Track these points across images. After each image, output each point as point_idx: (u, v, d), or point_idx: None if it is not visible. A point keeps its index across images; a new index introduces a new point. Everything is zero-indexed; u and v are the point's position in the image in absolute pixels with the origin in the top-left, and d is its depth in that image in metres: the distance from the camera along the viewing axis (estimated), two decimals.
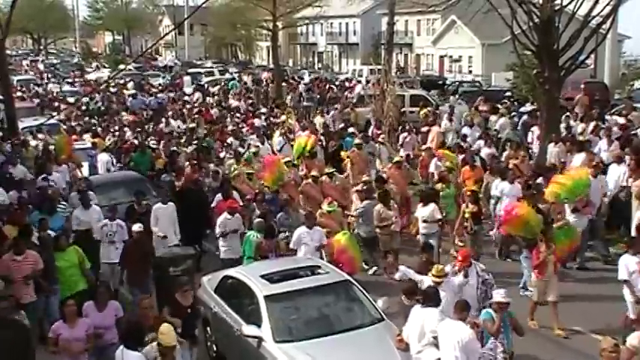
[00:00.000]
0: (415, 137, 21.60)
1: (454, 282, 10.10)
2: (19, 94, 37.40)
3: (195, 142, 22.86)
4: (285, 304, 9.97)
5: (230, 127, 25.24)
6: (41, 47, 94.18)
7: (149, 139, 23.49)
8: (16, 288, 10.86)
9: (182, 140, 23.60)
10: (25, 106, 30.43)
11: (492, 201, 15.13)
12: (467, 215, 13.95)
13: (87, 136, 24.06)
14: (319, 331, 9.55)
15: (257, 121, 26.26)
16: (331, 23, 76.62)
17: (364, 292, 10.51)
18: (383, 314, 10.04)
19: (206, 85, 42.99)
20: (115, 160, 20.88)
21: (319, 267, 10.87)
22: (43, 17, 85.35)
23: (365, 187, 15.16)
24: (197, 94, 38.09)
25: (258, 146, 20.02)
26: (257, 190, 15.75)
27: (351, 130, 22.83)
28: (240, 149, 20.29)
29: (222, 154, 20.22)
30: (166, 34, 45.84)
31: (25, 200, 14.81)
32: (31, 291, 11.11)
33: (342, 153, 18.90)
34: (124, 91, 40.29)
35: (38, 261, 11.17)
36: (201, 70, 56.30)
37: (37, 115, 28.97)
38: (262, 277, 10.41)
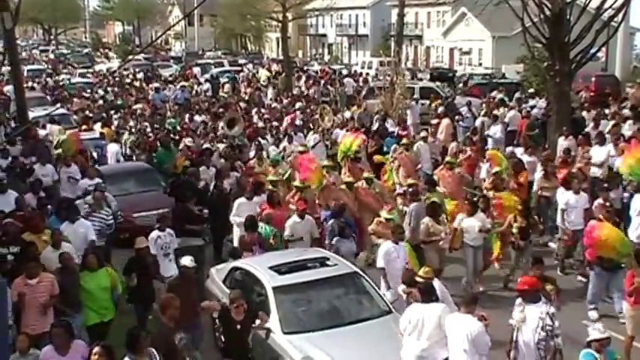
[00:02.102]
0: (440, 141, 19.89)
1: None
2: (29, 83, 37.52)
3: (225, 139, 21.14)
4: (294, 296, 10.00)
5: (260, 124, 23.58)
6: (51, 37, 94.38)
7: (171, 135, 21.99)
8: (27, 318, 9.62)
9: (213, 136, 21.76)
10: (35, 95, 30.50)
11: (558, 211, 13.98)
12: (514, 230, 12.79)
13: (97, 127, 24.11)
14: (327, 323, 9.58)
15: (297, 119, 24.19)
16: (341, 15, 76.49)
17: (373, 284, 10.53)
18: (391, 306, 10.07)
19: (216, 76, 42.77)
20: (124, 152, 20.78)
21: (328, 259, 10.88)
22: (53, 7, 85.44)
23: (411, 190, 13.74)
24: (207, 85, 37.90)
25: (305, 145, 18.63)
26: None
27: (392, 129, 21.15)
28: (273, 149, 19.17)
29: (252, 154, 18.80)
30: (175, 23, 45.70)
31: (44, 202, 13.87)
32: (46, 321, 9.54)
33: (376, 157, 17.48)
34: (144, 85, 38.72)
35: (54, 286, 9.85)
36: (211, 61, 56.24)
37: (47, 105, 29.01)
38: (271, 268, 10.44)
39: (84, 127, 24.42)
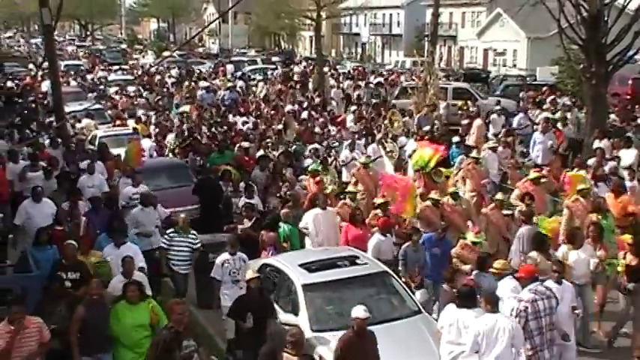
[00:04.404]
0: (510, 151, 18.05)
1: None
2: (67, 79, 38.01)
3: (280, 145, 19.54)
4: (323, 294, 10.00)
5: (317, 129, 21.57)
6: (88, 33, 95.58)
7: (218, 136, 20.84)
8: None
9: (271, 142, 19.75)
10: (70, 90, 30.91)
11: None
12: (620, 269, 10.77)
13: (131, 122, 24.36)
14: None
15: (349, 123, 22.53)
16: (375, 14, 76.33)
17: (402, 284, 10.49)
18: (421, 307, 10.03)
19: (249, 74, 42.85)
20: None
21: (358, 257, 10.87)
22: (90, 3, 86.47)
23: (525, 210, 12.31)
24: (240, 83, 37.91)
25: (370, 156, 16.84)
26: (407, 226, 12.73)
27: (456, 138, 19.04)
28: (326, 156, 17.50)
29: (307, 162, 17.41)
30: (211, 22, 46.01)
31: (87, 215, 12.59)
32: None
33: (443, 170, 15.45)
34: (193, 83, 36.52)
35: (42, 332, 8.46)
36: (245, 59, 56.48)
37: (84, 100, 29.41)
38: (301, 265, 10.46)
39: (117, 122, 24.77)
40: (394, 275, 10.64)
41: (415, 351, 9.03)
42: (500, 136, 20.06)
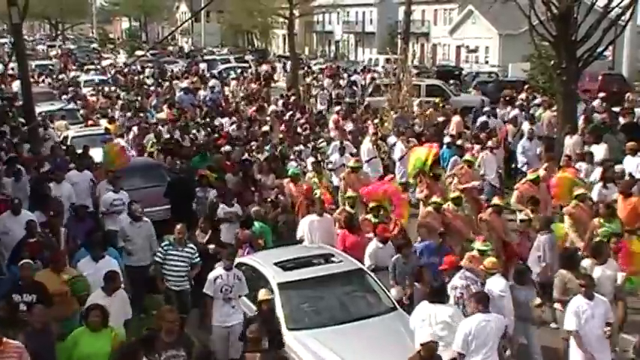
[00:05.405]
0: (501, 154, 17.71)
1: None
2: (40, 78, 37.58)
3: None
4: (299, 292, 9.99)
5: (299, 130, 21.14)
6: (58, 32, 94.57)
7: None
8: None
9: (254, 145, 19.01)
10: (42, 91, 30.56)
11: None
12: None
13: (103, 122, 24.16)
14: (332, 320, 9.60)
15: (349, 125, 21.73)
16: (348, 12, 76.51)
17: (378, 281, 10.54)
18: (396, 304, 10.08)
19: (225, 73, 42.60)
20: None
21: (333, 255, 10.89)
22: (60, 2, 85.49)
23: (544, 217, 11.77)
24: (213, 81, 37.66)
25: (359, 160, 16.44)
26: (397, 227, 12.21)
27: (447, 139, 18.34)
28: (310, 159, 17.03)
29: (291, 164, 16.85)
30: (184, 21, 45.64)
31: (54, 222, 12.05)
32: None
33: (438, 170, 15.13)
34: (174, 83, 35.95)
35: (23, 357, 7.69)
36: (218, 57, 56.28)
37: (54, 100, 29.09)
38: (276, 264, 10.45)
39: (89, 122, 24.55)
40: (369, 272, 10.68)
41: (391, 347, 9.05)
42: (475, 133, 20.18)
